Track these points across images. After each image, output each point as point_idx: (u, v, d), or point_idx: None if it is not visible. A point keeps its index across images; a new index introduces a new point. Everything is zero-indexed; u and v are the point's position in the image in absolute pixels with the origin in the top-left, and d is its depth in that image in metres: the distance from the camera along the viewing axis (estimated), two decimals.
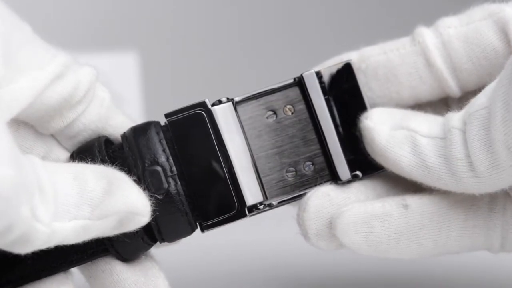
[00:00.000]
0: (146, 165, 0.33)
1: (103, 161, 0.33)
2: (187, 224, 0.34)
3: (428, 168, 0.33)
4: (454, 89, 0.36)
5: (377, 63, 0.36)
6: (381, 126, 0.34)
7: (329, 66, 0.36)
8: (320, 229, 0.35)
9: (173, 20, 0.98)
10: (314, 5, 1.05)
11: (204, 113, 0.34)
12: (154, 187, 0.33)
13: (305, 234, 0.35)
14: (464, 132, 0.32)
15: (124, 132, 0.34)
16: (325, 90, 0.35)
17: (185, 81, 0.98)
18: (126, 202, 0.31)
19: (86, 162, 0.33)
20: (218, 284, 0.41)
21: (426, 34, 0.36)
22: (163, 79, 0.97)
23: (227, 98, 0.35)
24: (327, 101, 0.35)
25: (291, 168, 0.35)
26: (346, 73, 0.36)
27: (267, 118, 0.35)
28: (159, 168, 0.33)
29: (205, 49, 1.00)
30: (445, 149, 0.32)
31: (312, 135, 0.35)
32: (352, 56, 0.36)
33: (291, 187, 0.35)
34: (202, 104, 0.34)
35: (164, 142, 0.34)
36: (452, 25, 0.35)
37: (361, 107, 0.36)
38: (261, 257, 0.47)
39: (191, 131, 0.34)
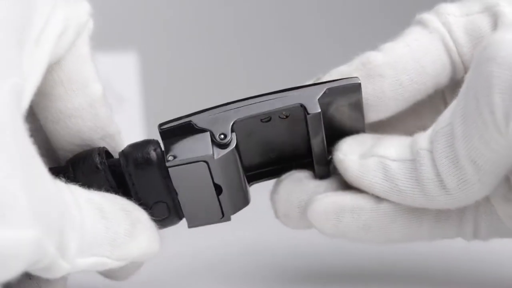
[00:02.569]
0: None
1: (101, 165, 0.33)
2: (177, 219, 0.35)
3: (401, 191, 0.33)
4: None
5: (404, 56, 0.35)
6: (351, 157, 0.34)
7: (338, 84, 0.34)
8: (288, 211, 0.36)
9: (173, 20, 0.98)
10: (316, 9, 1.05)
11: (207, 165, 0.33)
12: (157, 215, 0.34)
13: (275, 213, 0.36)
14: (431, 152, 0.32)
15: (122, 150, 0.34)
16: (326, 107, 0.34)
17: (184, 81, 0.99)
18: (145, 248, 0.32)
19: (85, 168, 0.33)
20: (212, 276, 0.41)
21: (436, 21, 0.36)
22: (163, 79, 0.97)
23: (231, 133, 0.34)
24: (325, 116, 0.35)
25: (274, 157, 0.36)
26: (352, 92, 0.34)
27: (261, 120, 0.35)
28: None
29: (205, 49, 1.00)
30: (415, 171, 0.33)
31: (301, 138, 0.35)
32: (374, 55, 0.35)
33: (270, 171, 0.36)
34: (206, 157, 0.33)
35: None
36: (451, 13, 0.35)
37: (359, 126, 0.36)
38: (255, 247, 0.47)
39: (192, 179, 0.34)
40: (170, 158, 0.33)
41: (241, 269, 0.42)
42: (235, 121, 0.34)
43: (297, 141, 0.35)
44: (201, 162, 0.33)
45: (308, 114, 0.33)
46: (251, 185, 0.37)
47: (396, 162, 0.33)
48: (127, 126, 0.87)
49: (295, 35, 1.05)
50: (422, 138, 0.33)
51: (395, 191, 0.33)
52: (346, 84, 0.34)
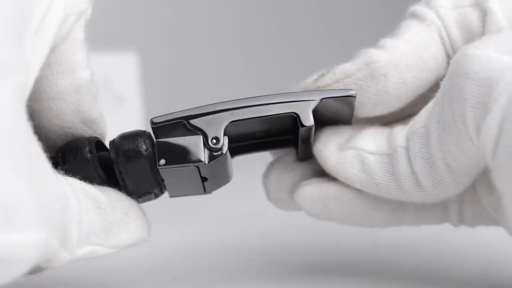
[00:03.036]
0: None
1: (92, 161, 0.33)
2: (161, 194, 0.35)
3: (377, 184, 0.34)
4: None
5: (406, 53, 0.35)
6: (330, 147, 0.35)
7: (333, 95, 0.34)
8: (279, 195, 0.37)
9: (173, 20, 0.98)
10: (315, 8, 1.05)
11: (197, 168, 0.34)
12: (142, 199, 0.35)
13: (267, 196, 0.37)
14: (407, 149, 0.33)
15: (113, 141, 0.34)
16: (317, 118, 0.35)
17: (184, 81, 0.99)
18: (136, 236, 0.33)
19: (76, 161, 0.33)
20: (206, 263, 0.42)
21: (431, 13, 0.35)
22: (163, 79, 0.97)
23: (223, 137, 0.34)
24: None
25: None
26: (345, 104, 0.35)
27: None
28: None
29: (205, 49, 1.00)
30: (393, 166, 0.33)
31: (289, 121, 0.35)
32: (377, 54, 0.35)
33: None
34: (198, 164, 0.33)
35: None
36: (443, 6, 0.35)
37: (346, 117, 0.36)
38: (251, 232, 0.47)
39: (181, 175, 0.34)
40: (162, 162, 0.33)
41: (236, 263, 0.42)
42: (228, 124, 0.34)
43: (284, 122, 0.35)
44: (192, 166, 0.33)
45: (302, 126, 0.34)
46: (234, 157, 0.37)
47: (374, 155, 0.34)
48: (127, 126, 0.87)
49: (295, 34, 1.05)
50: (400, 135, 0.34)
51: (372, 183, 0.34)
52: (341, 96, 0.34)
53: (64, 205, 0.29)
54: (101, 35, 0.84)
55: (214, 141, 0.33)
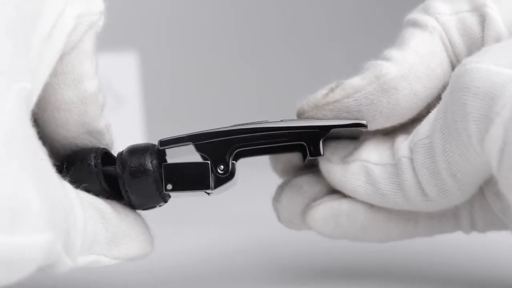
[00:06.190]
0: None
1: (96, 173, 0.33)
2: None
3: (383, 195, 0.34)
4: None
5: (415, 64, 0.35)
6: (334, 161, 0.35)
7: (344, 127, 0.34)
8: (291, 218, 0.37)
9: (173, 20, 0.98)
10: (318, 10, 1.05)
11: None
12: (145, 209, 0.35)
13: (278, 219, 0.38)
14: (412, 159, 0.33)
15: (121, 154, 0.34)
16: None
17: (185, 81, 0.99)
18: (139, 249, 0.34)
19: (80, 170, 0.33)
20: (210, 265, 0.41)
21: (432, 20, 0.35)
22: (163, 79, 0.97)
23: (231, 163, 0.34)
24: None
25: None
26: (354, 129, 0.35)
27: None
28: None
29: (205, 49, 1.00)
30: (397, 177, 0.34)
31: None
32: (386, 67, 0.34)
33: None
34: (206, 188, 0.34)
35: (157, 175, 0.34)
36: (442, 12, 0.35)
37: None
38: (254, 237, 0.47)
39: (187, 192, 0.34)
40: (169, 187, 0.34)
41: (237, 267, 0.42)
42: (237, 152, 0.34)
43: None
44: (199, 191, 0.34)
45: (311, 156, 0.34)
46: (238, 160, 0.37)
47: (379, 166, 0.34)
48: (127, 126, 0.87)
49: (297, 35, 1.05)
50: (403, 145, 0.34)
51: (378, 194, 0.34)
52: (353, 129, 0.35)
53: (68, 210, 0.29)
54: (101, 35, 0.84)
55: (222, 166, 0.34)
